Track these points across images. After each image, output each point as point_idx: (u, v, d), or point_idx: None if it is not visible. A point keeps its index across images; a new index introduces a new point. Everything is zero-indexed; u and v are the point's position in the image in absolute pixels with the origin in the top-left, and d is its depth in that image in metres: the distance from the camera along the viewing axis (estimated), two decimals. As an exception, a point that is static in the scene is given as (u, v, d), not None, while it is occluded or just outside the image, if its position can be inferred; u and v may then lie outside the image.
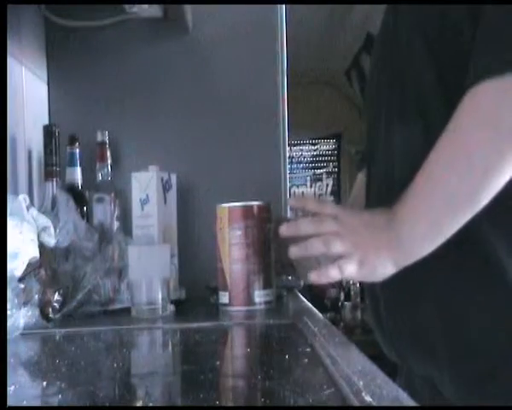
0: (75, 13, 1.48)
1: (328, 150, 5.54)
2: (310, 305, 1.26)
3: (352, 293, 3.69)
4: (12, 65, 1.30)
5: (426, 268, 0.83)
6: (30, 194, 1.38)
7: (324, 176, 5.54)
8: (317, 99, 4.94)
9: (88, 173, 1.41)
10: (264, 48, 1.54)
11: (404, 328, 0.93)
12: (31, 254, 1.03)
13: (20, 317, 0.95)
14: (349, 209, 0.92)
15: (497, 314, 0.84)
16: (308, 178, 5.56)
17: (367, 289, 1.02)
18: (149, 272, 1.13)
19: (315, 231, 0.87)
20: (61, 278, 1.11)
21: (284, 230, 0.91)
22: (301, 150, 5.53)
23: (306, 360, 0.75)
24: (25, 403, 0.62)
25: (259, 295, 1.15)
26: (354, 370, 0.65)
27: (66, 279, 1.12)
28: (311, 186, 5.54)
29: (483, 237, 0.83)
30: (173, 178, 1.33)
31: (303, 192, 5.47)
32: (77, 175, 1.39)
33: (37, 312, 1.00)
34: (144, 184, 1.27)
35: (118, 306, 1.18)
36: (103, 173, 1.42)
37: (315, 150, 5.55)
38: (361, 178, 1.16)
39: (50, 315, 1.06)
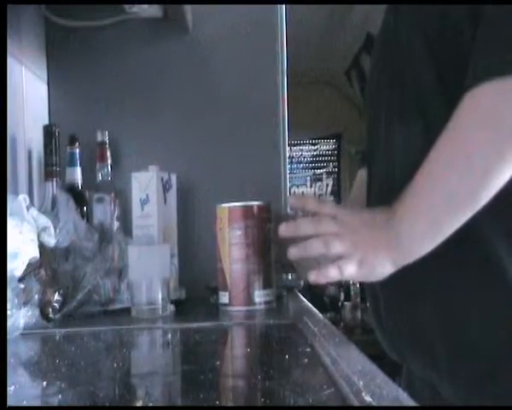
0: (75, 13, 1.48)
1: (328, 150, 5.54)
2: (310, 305, 1.26)
3: (352, 293, 3.69)
4: (12, 65, 1.30)
5: (425, 267, 0.83)
6: (30, 194, 1.38)
7: (324, 176, 5.54)
8: (317, 99, 4.94)
9: (88, 173, 1.41)
10: (264, 48, 1.54)
11: (403, 328, 0.93)
12: (31, 254, 1.03)
13: (20, 317, 0.95)
14: (349, 209, 0.92)
15: (497, 314, 0.84)
16: (308, 178, 5.56)
17: (367, 288, 1.02)
18: (149, 272, 1.13)
19: (314, 232, 0.87)
20: (60, 278, 1.11)
21: (283, 230, 0.91)
22: (301, 150, 5.53)
23: (306, 360, 0.75)
24: (25, 403, 0.62)
25: (259, 295, 1.15)
26: (354, 370, 0.65)
27: (66, 279, 1.12)
28: (311, 186, 5.54)
29: (483, 236, 0.83)
30: (173, 178, 1.33)
31: (303, 192, 5.47)
32: (77, 175, 1.39)
33: (37, 312, 1.00)
34: (144, 184, 1.27)
35: (118, 306, 1.18)
36: (103, 173, 1.42)
37: (315, 150, 5.55)
38: (361, 174, 1.15)
39: (50, 315, 1.06)
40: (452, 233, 0.80)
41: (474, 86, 0.77)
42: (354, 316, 3.64)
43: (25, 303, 0.98)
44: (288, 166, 1.61)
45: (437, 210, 0.81)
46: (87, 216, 1.38)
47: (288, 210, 1.51)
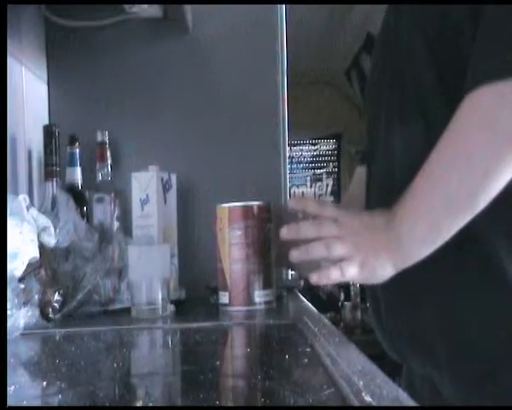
0: (75, 13, 1.48)
1: (328, 150, 5.54)
2: (310, 305, 1.26)
3: (352, 293, 3.69)
4: (12, 65, 1.30)
5: (426, 269, 0.83)
6: (30, 194, 1.38)
7: (324, 176, 5.55)
8: (317, 99, 4.94)
9: (88, 173, 1.41)
10: (264, 48, 1.54)
11: (403, 328, 0.93)
12: (31, 254, 1.03)
13: (20, 317, 0.95)
14: (349, 211, 0.92)
15: (497, 314, 0.84)
16: (308, 178, 5.56)
17: (368, 289, 1.02)
18: (149, 272, 1.13)
19: (315, 235, 0.87)
20: (60, 278, 1.11)
21: (285, 233, 0.91)
22: (301, 150, 5.53)
23: (306, 360, 0.75)
24: (25, 403, 0.62)
25: (259, 295, 1.15)
26: (354, 370, 0.65)
27: (66, 279, 1.12)
28: (311, 186, 5.54)
29: (483, 237, 0.83)
30: (173, 178, 1.33)
31: (303, 192, 5.47)
32: (77, 175, 1.39)
33: (37, 312, 1.00)
34: (144, 184, 1.27)
35: (118, 306, 1.18)
36: (103, 173, 1.42)
37: (315, 150, 5.55)
38: (359, 172, 1.15)
39: (50, 315, 1.06)
40: (452, 235, 0.80)
41: (474, 89, 0.77)
42: (354, 316, 3.64)
43: (25, 303, 0.98)
44: (288, 166, 1.61)
45: (437, 212, 0.81)
46: (87, 216, 1.38)
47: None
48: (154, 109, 1.53)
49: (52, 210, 1.23)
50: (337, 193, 5.44)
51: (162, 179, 1.29)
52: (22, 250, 1.01)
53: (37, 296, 1.02)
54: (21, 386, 0.69)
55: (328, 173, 5.55)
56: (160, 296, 1.12)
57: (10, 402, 0.59)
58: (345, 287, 3.76)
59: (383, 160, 0.96)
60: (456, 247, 0.80)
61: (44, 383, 0.69)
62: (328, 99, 5.06)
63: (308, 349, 0.79)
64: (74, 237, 1.16)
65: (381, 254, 0.83)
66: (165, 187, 1.30)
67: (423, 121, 0.89)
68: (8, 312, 0.92)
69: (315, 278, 0.87)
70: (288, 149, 1.57)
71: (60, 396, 0.62)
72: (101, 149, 1.42)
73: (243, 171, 1.51)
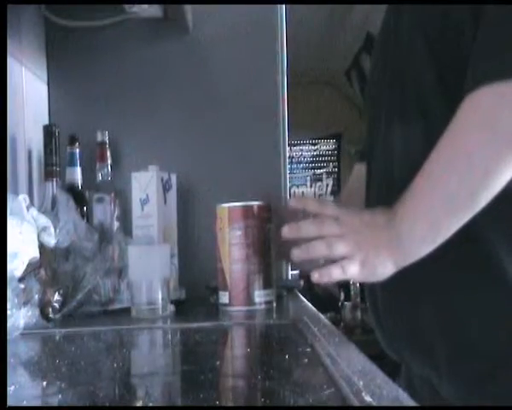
0: (75, 13, 1.48)
1: (328, 150, 5.54)
2: (310, 305, 1.26)
3: (352, 293, 3.68)
4: (12, 65, 1.30)
5: (425, 268, 0.83)
6: (30, 194, 1.38)
7: (324, 176, 5.55)
8: (317, 99, 4.94)
9: (88, 173, 1.41)
10: (264, 48, 1.54)
11: (403, 328, 0.93)
12: (31, 254, 1.03)
13: (20, 317, 0.95)
14: (351, 209, 0.92)
15: (497, 314, 0.84)
16: (308, 178, 5.56)
17: (367, 289, 1.02)
18: (149, 272, 1.13)
19: (317, 233, 0.87)
20: (60, 278, 1.11)
21: (286, 232, 0.91)
22: (301, 150, 5.53)
23: (306, 360, 0.74)
24: (25, 403, 0.62)
25: (259, 295, 1.15)
26: (354, 370, 0.65)
27: (66, 279, 1.12)
28: (311, 186, 5.54)
29: (483, 237, 0.83)
30: (173, 178, 1.33)
31: (303, 192, 5.47)
32: (77, 175, 1.39)
33: (37, 312, 1.00)
34: (144, 184, 1.27)
35: (118, 306, 1.18)
36: (103, 173, 1.42)
37: (315, 150, 5.55)
38: (358, 168, 1.15)
39: (50, 315, 1.06)
40: (452, 234, 0.80)
41: (474, 89, 0.77)
42: (354, 316, 3.64)
43: (25, 303, 0.98)
44: (288, 166, 1.61)
45: (437, 211, 0.81)
46: (87, 216, 1.38)
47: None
48: (154, 109, 1.53)
49: (52, 210, 1.23)
50: (337, 193, 5.44)
51: (162, 179, 1.29)
52: (22, 250, 1.01)
53: (37, 296, 1.02)
54: (21, 386, 0.69)
55: (328, 173, 5.55)
56: (159, 296, 1.12)
57: (10, 402, 0.59)
58: (345, 287, 3.76)
59: (382, 159, 0.96)
60: (455, 246, 0.81)
61: (44, 383, 0.69)
62: (328, 99, 5.06)
63: (308, 349, 0.79)
64: (74, 237, 1.16)
65: (382, 252, 0.84)
66: (165, 187, 1.30)
67: (423, 121, 0.89)
68: (8, 312, 0.92)
69: (317, 276, 0.87)
70: (288, 149, 1.56)
71: (60, 396, 0.62)
72: (101, 149, 1.42)
73: (243, 171, 1.51)
